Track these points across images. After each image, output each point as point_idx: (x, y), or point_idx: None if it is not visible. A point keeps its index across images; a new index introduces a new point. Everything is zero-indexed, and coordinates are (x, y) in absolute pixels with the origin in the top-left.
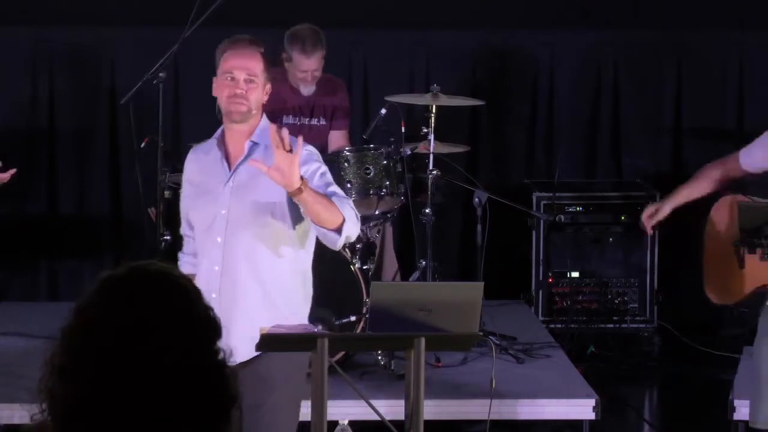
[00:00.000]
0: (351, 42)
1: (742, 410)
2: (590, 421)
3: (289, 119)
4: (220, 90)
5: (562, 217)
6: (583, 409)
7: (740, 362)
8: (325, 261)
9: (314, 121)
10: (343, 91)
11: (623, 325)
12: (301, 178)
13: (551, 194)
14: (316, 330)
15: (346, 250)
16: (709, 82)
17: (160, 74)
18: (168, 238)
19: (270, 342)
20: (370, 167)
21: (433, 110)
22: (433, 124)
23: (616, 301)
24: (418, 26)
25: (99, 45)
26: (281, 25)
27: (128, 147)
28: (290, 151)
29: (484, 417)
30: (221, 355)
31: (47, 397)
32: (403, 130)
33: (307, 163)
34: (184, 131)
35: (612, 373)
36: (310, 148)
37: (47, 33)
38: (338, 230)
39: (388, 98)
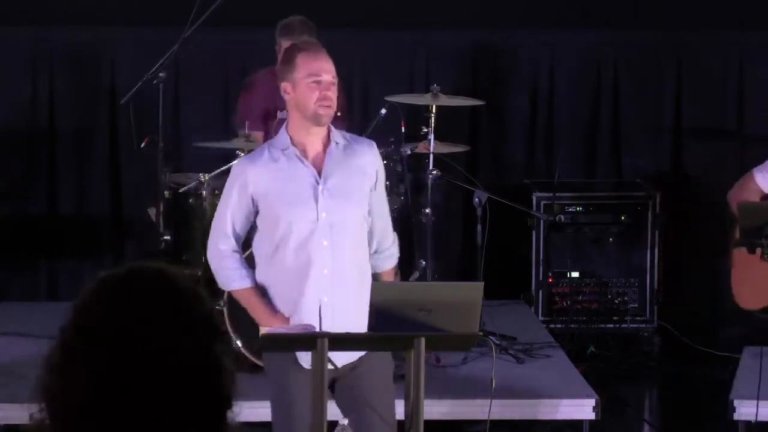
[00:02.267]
0: (351, 42)
1: (742, 410)
2: (590, 421)
3: (283, 114)
4: (307, 94)
5: (562, 217)
6: (583, 409)
7: (740, 362)
8: None
9: None
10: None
11: (623, 325)
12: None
13: (551, 194)
14: (316, 330)
15: None
16: (709, 82)
17: (160, 74)
18: (168, 238)
19: (270, 342)
20: None
21: (433, 110)
22: (433, 124)
23: (616, 301)
24: (418, 26)
25: (99, 45)
26: None
27: (128, 147)
28: None
29: (484, 417)
30: (219, 357)
31: (45, 395)
32: (403, 130)
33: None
34: (184, 131)
35: (612, 373)
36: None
37: (47, 33)
38: None
39: (388, 98)
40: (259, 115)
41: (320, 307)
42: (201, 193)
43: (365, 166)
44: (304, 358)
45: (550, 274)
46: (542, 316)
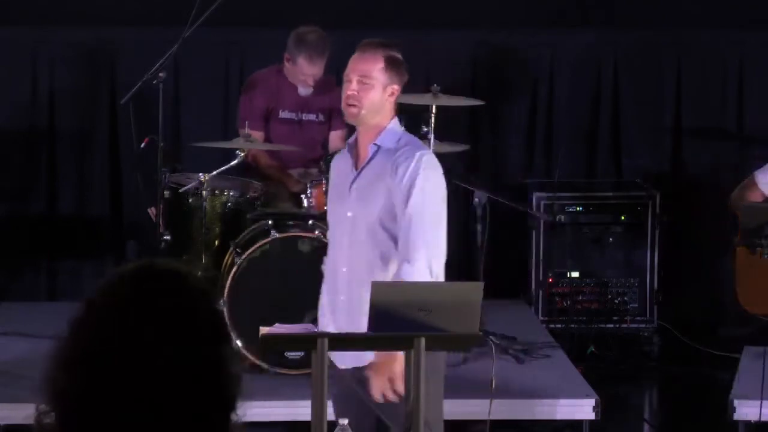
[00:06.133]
0: (351, 42)
1: (742, 410)
2: (590, 421)
3: (285, 114)
4: (343, 92)
5: (562, 217)
6: (583, 409)
7: (740, 362)
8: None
9: (311, 117)
10: (338, 92)
11: (623, 325)
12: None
13: (551, 194)
14: (316, 330)
15: None
16: (709, 82)
17: (160, 74)
18: (168, 238)
19: (271, 342)
20: None
21: (433, 110)
22: (433, 124)
23: (616, 301)
24: (417, 26)
25: (99, 45)
26: (281, 25)
27: (128, 147)
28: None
29: (484, 417)
30: (225, 358)
31: (50, 389)
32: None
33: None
34: (184, 131)
35: (612, 373)
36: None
37: (47, 33)
38: None
39: None
40: (259, 114)
41: (337, 304)
42: (201, 193)
43: (391, 172)
44: (336, 358)
45: (550, 274)
46: (542, 316)
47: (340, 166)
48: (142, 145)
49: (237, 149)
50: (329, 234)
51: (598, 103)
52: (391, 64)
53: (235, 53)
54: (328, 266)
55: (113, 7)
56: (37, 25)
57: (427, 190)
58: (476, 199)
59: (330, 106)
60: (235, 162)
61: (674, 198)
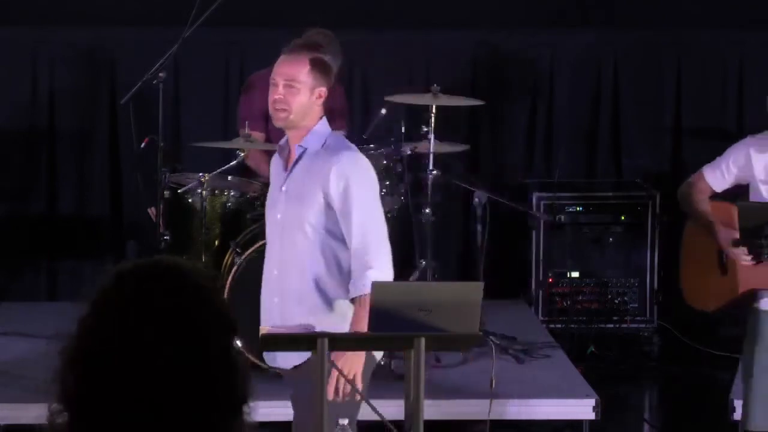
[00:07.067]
0: (350, 42)
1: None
2: (590, 421)
3: None
4: (270, 96)
5: (562, 217)
6: (583, 409)
7: (740, 362)
8: None
9: None
10: (339, 92)
11: (623, 325)
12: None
13: (551, 194)
14: (315, 330)
15: None
16: (709, 82)
17: (160, 74)
18: (168, 238)
19: (270, 342)
20: None
21: (433, 110)
22: (433, 124)
23: (616, 301)
24: (417, 26)
25: (99, 45)
26: (281, 25)
27: (128, 147)
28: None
29: (484, 417)
30: (233, 354)
31: (61, 389)
32: (402, 130)
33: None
34: (184, 131)
35: (612, 373)
36: (350, 164)
37: (47, 33)
38: None
39: (388, 98)
40: (259, 115)
41: (272, 307)
42: (201, 193)
43: (319, 177)
44: (280, 361)
45: (550, 274)
46: (542, 316)
47: (274, 169)
48: (142, 145)
49: (237, 149)
50: (266, 236)
51: (598, 103)
52: (316, 67)
53: (235, 53)
54: (264, 268)
55: (113, 7)
56: (37, 25)
57: (364, 190)
58: (476, 199)
59: (330, 106)
60: (235, 162)
61: (674, 198)
